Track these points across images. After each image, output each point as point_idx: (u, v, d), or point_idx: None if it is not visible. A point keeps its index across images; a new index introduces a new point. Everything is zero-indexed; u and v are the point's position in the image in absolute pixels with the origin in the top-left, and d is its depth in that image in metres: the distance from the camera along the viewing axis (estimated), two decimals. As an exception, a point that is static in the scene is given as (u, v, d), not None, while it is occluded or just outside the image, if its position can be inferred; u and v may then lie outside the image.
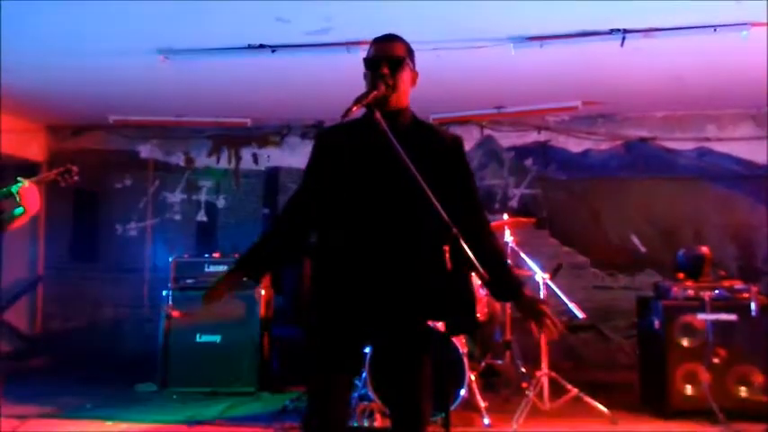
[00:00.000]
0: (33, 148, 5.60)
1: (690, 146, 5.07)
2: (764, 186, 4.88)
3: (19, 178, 2.62)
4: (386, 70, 1.85)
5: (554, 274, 5.13)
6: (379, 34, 2.11)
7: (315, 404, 1.82)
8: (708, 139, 5.03)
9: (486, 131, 5.33)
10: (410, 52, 1.96)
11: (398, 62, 1.88)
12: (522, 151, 5.27)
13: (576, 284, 5.08)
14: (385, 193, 1.83)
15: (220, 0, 2.93)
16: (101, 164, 5.58)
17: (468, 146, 5.34)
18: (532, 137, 5.25)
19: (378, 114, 1.83)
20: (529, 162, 5.27)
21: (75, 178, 2.77)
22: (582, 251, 5.15)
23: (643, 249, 5.05)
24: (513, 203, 5.24)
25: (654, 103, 4.90)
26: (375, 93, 1.83)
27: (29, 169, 5.44)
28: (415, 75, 1.95)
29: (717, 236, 4.94)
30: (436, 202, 1.70)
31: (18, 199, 2.61)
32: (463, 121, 5.26)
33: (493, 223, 3.95)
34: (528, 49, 3.57)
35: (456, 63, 3.83)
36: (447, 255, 1.69)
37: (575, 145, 5.21)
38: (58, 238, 5.65)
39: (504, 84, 4.41)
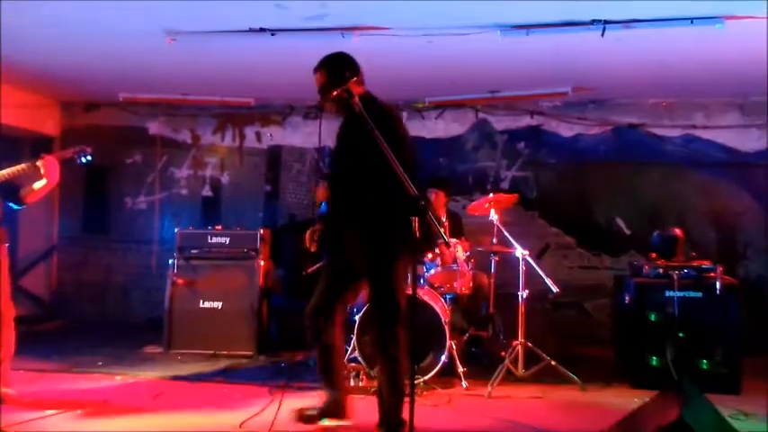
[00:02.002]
0: (48, 124, 5.86)
1: (677, 132, 5.23)
2: (748, 173, 5.05)
3: (43, 155, 2.90)
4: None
5: (542, 254, 5.38)
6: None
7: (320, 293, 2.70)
8: (695, 127, 5.19)
9: (481, 115, 5.52)
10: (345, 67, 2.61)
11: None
12: (515, 134, 5.46)
13: (562, 264, 5.33)
14: (364, 156, 2.49)
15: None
16: (111, 140, 5.84)
17: (463, 128, 5.58)
18: (525, 121, 5.43)
19: (356, 100, 2.42)
20: (521, 145, 5.46)
21: (90, 158, 3.03)
22: (569, 232, 5.37)
23: (627, 232, 5.25)
24: (505, 185, 5.45)
25: (643, 90, 5.05)
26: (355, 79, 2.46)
27: (44, 143, 5.72)
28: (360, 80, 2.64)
29: (700, 220, 5.13)
30: (403, 174, 2.24)
31: (42, 171, 2.89)
32: (459, 105, 5.45)
33: (478, 201, 4.24)
34: (519, 37, 3.73)
35: (451, 48, 4.00)
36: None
37: (566, 129, 5.39)
38: (72, 211, 5.94)
39: (498, 69, 4.57)
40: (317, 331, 2.71)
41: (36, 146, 5.53)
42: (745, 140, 5.10)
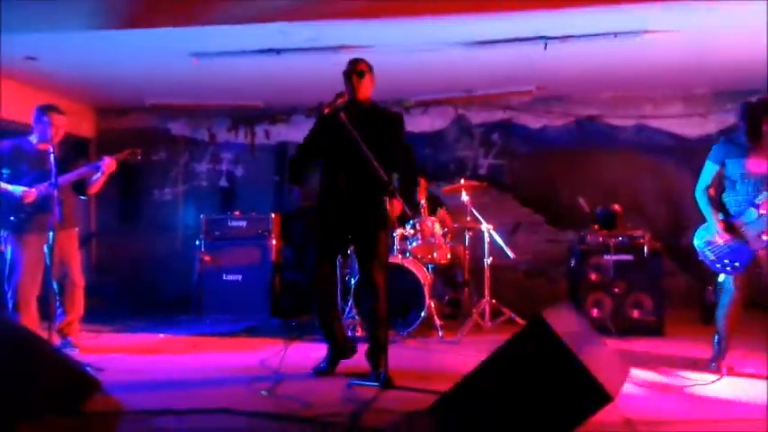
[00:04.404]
0: (84, 127, 6.70)
1: (630, 122, 6.01)
2: (690, 156, 5.80)
3: (104, 156, 3.77)
4: (356, 78, 3.31)
5: (515, 231, 6.20)
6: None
7: (316, 266, 3.40)
8: (644, 117, 5.96)
9: (460, 111, 6.32)
10: (370, 68, 3.36)
11: (363, 73, 3.31)
12: (489, 127, 6.26)
13: (533, 238, 6.14)
14: (352, 156, 3.18)
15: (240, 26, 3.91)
16: (140, 140, 6.65)
17: (444, 123, 6.38)
18: (499, 115, 6.22)
19: (342, 114, 3.17)
20: (495, 136, 6.27)
21: (139, 158, 3.89)
22: (538, 211, 6.18)
23: (588, 210, 6.03)
24: (482, 171, 6.26)
25: (598, 86, 5.81)
26: (341, 99, 3.18)
27: (82, 145, 6.57)
28: (373, 80, 3.39)
29: (651, 198, 5.93)
30: (379, 168, 3.04)
31: (103, 169, 3.76)
32: (440, 103, 6.25)
33: (451, 186, 5.05)
34: (486, 47, 4.48)
35: (429, 58, 4.78)
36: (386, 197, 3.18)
37: (534, 122, 6.18)
38: (107, 202, 6.77)
39: (471, 73, 5.33)
40: (324, 292, 3.41)
41: (76, 147, 6.37)
42: (688, 128, 5.88)
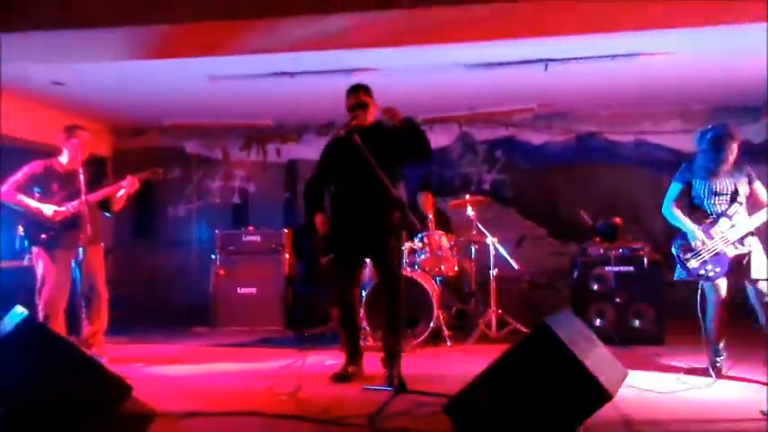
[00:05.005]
0: (101, 147, 6.95)
1: (629, 138, 6.22)
2: (688, 171, 5.99)
3: (127, 176, 3.98)
4: (358, 109, 3.50)
5: (519, 244, 6.39)
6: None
7: (339, 281, 3.64)
8: (643, 133, 6.18)
9: (464, 128, 6.54)
10: (370, 94, 3.58)
11: (365, 105, 3.48)
12: (493, 144, 6.48)
13: (536, 251, 6.32)
14: (361, 174, 3.34)
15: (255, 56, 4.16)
16: (155, 158, 6.90)
17: (449, 140, 6.61)
18: (501, 132, 6.45)
19: (356, 136, 3.33)
20: (498, 153, 6.48)
21: (161, 177, 4.11)
22: (541, 224, 6.37)
23: (590, 222, 6.22)
24: (486, 186, 6.47)
25: (598, 103, 6.04)
26: (353, 123, 3.39)
27: (99, 164, 6.80)
28: (375, 106, 3.57)
29: (650, 211, 6.09)
30: (389, 183, 3.19)
31: (124, 188, 3.96)
32: (445, 120, 6.48)
33: (456, 201, 5.24)
34: (488, 69, 4.72)
35: (437, 79, 5.02)
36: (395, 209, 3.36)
37: (536, 138, 6.40)
38: (124, 219, 6.98)
39: (474, 91, 5.57)
40: (344, 301, 3.62)
41: (93, 166, 6.60)
42: (686, 143, 6.05)
